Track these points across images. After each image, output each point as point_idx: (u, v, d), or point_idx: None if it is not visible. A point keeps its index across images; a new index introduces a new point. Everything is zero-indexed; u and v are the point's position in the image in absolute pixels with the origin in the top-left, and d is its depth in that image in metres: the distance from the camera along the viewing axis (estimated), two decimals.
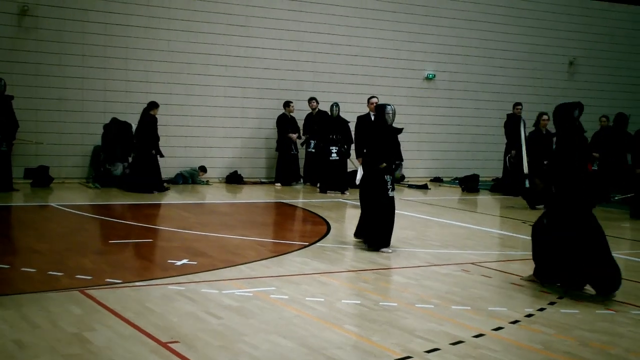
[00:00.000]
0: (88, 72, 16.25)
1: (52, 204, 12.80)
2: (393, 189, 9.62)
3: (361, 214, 9.89)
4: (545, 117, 14.23)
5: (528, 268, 8.75)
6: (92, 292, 6.76)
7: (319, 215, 12.59)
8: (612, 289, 7.36)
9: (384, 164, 9.51)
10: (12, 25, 15.56)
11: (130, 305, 6.38)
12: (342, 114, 16.74)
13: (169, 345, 5.34)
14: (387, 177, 9.56)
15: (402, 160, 9.81)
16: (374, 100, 13.64)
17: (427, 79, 20.30)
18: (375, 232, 9.55)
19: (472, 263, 8.85)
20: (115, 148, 15.89)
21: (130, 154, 16.04)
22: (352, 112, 16.76)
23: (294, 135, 17.44)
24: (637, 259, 9.74)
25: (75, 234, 10.26)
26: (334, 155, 16.31)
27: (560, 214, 7.56)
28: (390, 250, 9.46)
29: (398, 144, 9.82)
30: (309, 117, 17.73)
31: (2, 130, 14.09)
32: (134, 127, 16.05)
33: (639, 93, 23.34)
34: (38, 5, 15.71)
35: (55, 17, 15.89)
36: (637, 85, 23.40)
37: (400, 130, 9.86)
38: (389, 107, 9.75)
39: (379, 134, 9.71)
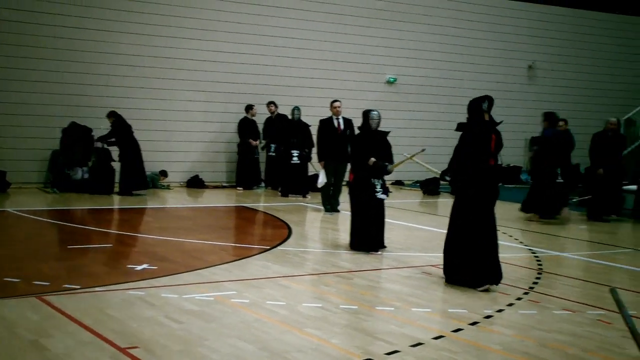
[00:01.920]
0: (46, 75, 16.02)
1: (9, 210, 12.61)
2: (384, 192, 9.73)
3: (353, 222, 9.88)
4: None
5: None
6: (50, 298, 6.67)
7: (280, 219, 12.58)
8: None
9: (373, 159, 9.64)
10: None
11: (89, 311, 6.30)
12: (303, 118, 16.74)
13: (128, 350, 5.29)
14: (375, 181, 9.66)
15: (391, 162, 9.91)
16: (337, 104, 13.68)
17: (389, 82, 20.40)
18: (365, 235, 9.68)
19: (433, 265, 8.90)
20: (75, 152, 15.70)
21: (90, 159, 15.88)
22: (313, 115, 16.80)
23: (254, 142, 17.39)
24: (594, 261, 9.89)
25: (33, 240, 10.11)
26: (295, 159, 16.30)
27: (460, 206, 7.90)
28: (379, 253, 9.61)
29: (389, 147, 10.04)
30: (268, 121, 17.71)
31: None
32: (95, 131, 15.91)
33: (598, 97, 23.70)
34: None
35: (14, 20, 15.66)
36: (595, 89, 23.76)
37: (387, 133, 10.09)
38: (374, 112, 10.01)
39: (364, 139, 9.87)
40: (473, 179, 7.80)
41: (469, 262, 7.73)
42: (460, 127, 8.06)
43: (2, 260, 8.47)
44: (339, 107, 13.66)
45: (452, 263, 7.91)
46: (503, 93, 21.81)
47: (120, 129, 15.55)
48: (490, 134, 7.84)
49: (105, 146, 15.74)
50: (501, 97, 21.57)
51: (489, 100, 7.97)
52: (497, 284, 7.76)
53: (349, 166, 10.01)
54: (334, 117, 13.64)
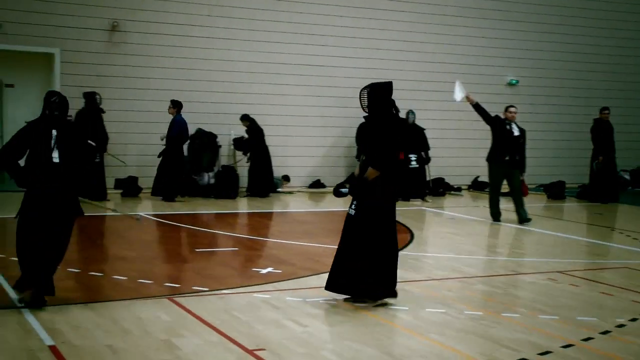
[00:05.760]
0: (172, 84, 16.54)
1: (141, 214, 13.14)
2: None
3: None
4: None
5: (618, 276, 8.54)
6: (180, 299, 6.91)
7: (401, 223, 12.51)
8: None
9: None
10: (102, 41, 16.05)
11: (217, 312, 6.49)
12: (417, 121, 16.68)
13: (255, 352, 5.41)
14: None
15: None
16: (513, 109, 12.92)
17: (510, 84, 20.00)
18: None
19: (559, 271, 8.67)
20: (201, 158, 16.24)
21: (215, 164, 16.41)
22: (427, 119, 16.64)
23: None
24: None
25: (163, 243, 10.53)
26: (413, 163, 16.22)
27: (383, 210, 6.88)
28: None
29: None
30: None
31: (96, 143, 14.47)
32: (220, 137, 16.55)
33: None
34: (126, 20, 16.17)
35: (138, 31, 16.29)
36: None
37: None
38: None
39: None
40: (389, 175, 6.86)
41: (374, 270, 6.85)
42: (374, 116, 6.94)
43: (136, 262, 8.85)
44: (514, 112, 12.89)
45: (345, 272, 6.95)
46: (630, 93, 21.09)
47: (255, 132, 16.12)
48: (400, 125, 7.09)
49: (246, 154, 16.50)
50: (626, 97, 20.92)
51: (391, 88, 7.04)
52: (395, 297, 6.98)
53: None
54: (507, 122, 13.01)
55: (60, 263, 6.80)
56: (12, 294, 6.84)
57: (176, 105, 15.24)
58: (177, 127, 15.11)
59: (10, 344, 5.47)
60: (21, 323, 6.01)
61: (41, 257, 6.54)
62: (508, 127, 12.70)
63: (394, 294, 6.92)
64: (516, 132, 12.74)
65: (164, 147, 15.25)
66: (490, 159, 12.95)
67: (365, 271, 6.77)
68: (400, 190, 16.19)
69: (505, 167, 12.71)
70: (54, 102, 6.75)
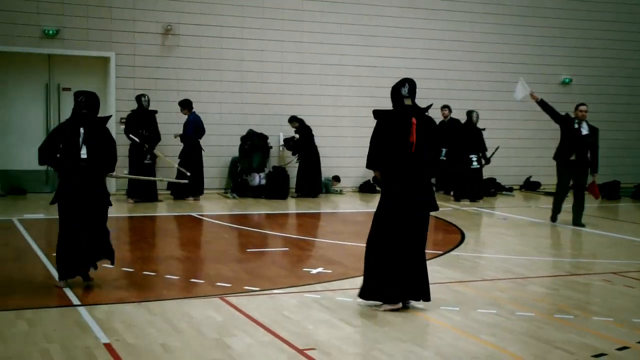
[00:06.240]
0: (224, 86, 16.77)
1: (192, 214, 13.31)
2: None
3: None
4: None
5: None
6: (232, 299, 7.00)
7: (452, 224, 12.47)
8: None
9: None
10: (156, 45, 16.30)
11: (268, 312, 6.55)
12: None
13: (306, 352, 5.45)
14: None
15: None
16: (583, 107, 12.58)
17: (564, 83, 19.72)
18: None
19: (614, 273, 8.53)
20: (252, 159, 16.36)
21: (266, 165, 16.53)
22: (486, 119, 16.43)
23: None
24: None
25: (215, 243, 10.64)
26: (474, 163, 16.09)
27: (385, 207, 6.81)
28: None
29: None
30: (441, 125, 17.58)
31: (142, 141, 14.70)
32: (282, 136, 16.93)
33: None
34: (179, 24, 16.40)
35: (192, 34, 16.51)
36: None
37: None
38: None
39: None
40: (394, 171, 6.80)
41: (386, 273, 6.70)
42: (376, 114, 7.02)
43: (188, 262, 8.99)
44: (584, 111, 12.51)
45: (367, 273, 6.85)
46: None
47: (305, 132, 16.30)
48: (409, 118, 6.79)
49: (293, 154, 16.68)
50: None
51: (409, 83, 6.91)
52: (416, 300, 6.80)
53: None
54: (577, 120, 12.53)
55: (108, 236, 7.44)
56: (70, 293, 7.02)
57: (186, 106, 15.49)
58: (192, 126, 15.37)
59: (68, 342, 5.61)
60: (78, 321, 6.16)
61: (81, 245, 7.20)
62: (576, 125, 12.34)
63: (403, 298, 6.76)
64: (585, 131, 12.37)
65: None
66: (557, 157, 12.67)
67: (371, 267, 6.77)
68: (455, 190, 16.21)
69: (572, 166, 12.40)
70: (81, 102, 7.26)
